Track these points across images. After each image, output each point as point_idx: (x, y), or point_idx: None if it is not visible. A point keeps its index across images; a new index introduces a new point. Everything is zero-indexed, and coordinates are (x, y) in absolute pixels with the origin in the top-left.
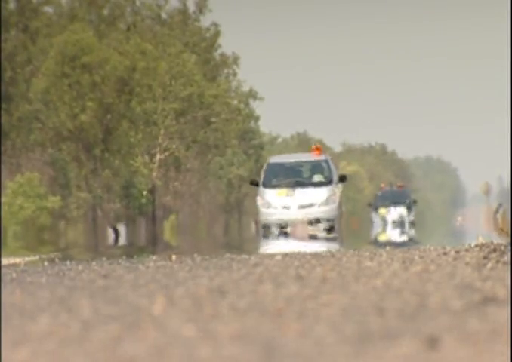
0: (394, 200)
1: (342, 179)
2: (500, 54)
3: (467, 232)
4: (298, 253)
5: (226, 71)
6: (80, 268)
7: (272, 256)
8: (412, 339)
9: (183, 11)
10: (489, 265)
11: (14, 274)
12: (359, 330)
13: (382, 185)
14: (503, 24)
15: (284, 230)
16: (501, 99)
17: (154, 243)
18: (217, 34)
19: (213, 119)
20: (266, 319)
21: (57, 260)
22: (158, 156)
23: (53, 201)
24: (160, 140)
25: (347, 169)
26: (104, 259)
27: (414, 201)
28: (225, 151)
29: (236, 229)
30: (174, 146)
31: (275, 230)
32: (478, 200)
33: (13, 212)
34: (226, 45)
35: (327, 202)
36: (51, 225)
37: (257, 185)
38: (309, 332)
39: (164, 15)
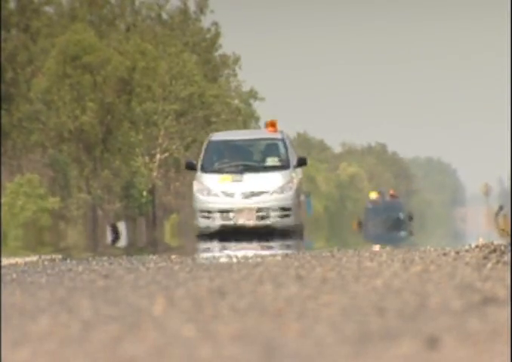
0: (386, 215)
1: (302, 162)
2: (500, 54)
3: (468, 233)
4: (298, 254)
5: (226, 71)
6: (80, 268)
7: (272, 256)
8: (412, 339)
9: (184, 11)
10: (489, 266)
11: (14, 275)
12: (359, 330)
13: (373, 196)
14: (503, 24)
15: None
16: (501, 100)
17: (154, 244)
18: (217, 34)
19: (213, 119)
20: (266, 319)
21: (57, 260)
22: (158, 156)
23: (53, 202)
24: (160, 141)
25: (348, 169)
26: (104, 259)
27: (410, 217)
28: None
29: None
30: (174, 147)
31: (215, 224)
32: (477, 201)
33: (14, 213)
34: (227, 45)
35: (282, 190)
36: (51, 225)
37: (194, 169)
38: (309, 332)
39: (164, 15)
